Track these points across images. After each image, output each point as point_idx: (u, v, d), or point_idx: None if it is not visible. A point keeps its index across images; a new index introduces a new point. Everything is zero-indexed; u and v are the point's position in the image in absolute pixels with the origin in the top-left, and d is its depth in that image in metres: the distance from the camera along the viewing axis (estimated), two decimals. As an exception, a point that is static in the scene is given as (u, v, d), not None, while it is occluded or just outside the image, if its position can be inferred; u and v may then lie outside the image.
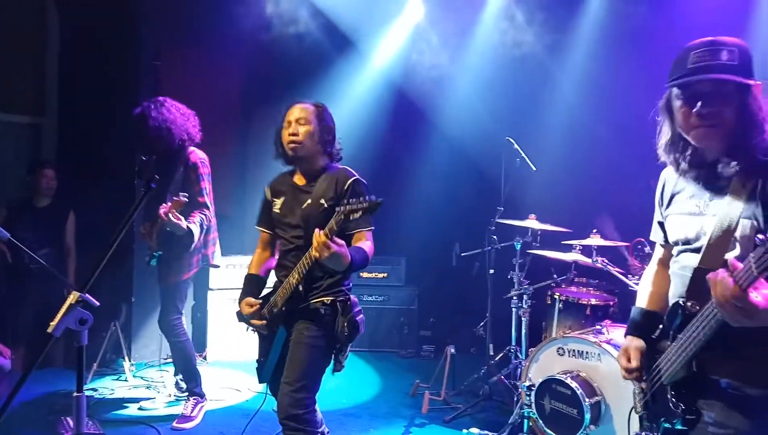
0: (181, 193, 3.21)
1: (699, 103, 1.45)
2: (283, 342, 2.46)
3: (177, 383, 3.98)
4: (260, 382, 2.61)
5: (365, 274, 5.43)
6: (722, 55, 1.44)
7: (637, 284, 3.32)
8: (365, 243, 2.36)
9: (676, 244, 1.66)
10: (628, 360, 1.74)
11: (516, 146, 4.26)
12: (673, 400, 1.55)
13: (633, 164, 4.01)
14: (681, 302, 1.55)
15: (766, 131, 1.45)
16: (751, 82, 1.45)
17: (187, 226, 3.29)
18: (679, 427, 1.55)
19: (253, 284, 2.60)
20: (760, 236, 1.20)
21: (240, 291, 2.60)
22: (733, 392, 1.47)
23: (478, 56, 5.32)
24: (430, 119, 5.69)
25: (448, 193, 5.54)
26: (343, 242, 2.13)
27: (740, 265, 1.25)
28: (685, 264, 1.60)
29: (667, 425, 1.59)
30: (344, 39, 5.54)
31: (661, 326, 1.69)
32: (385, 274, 5.47)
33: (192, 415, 3.56)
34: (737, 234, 1.44)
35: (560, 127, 4.94)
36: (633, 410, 1.79)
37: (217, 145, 3.72)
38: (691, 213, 1.60)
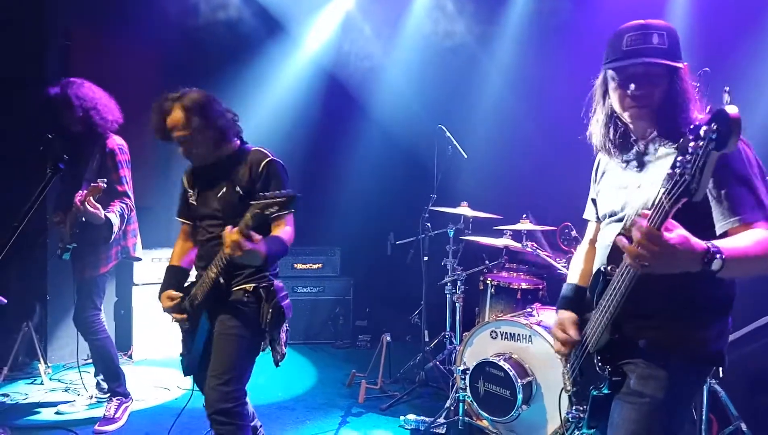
0: (99, 179, 3.00)
1: (632, 86, 1.53)
2: (206, 335, 2.37)
3: (98, 384, 3.74)
4: (185, 375, 2.50)
5: (300, 266, 5.35)
6: (653, 38, 1.53)
7: (565, 268, 3.44)
8: (285, 229, 2.27)
9: (605, 217, 1.73)
10: (563, 332, 1.74)
11: (448, 134, 4.30)
12: (600, 364, 1.61)
13: (559, 152, 4.16)
14: (602, 269, 1.62)
15: (690, 109, 1.54)
16: (679, 64, 1.54)
17: (106, 216, 3.09)
18: (606, 391, 1.60)
19: (174, 275, 2.50)
20: (669, 171, 1.23)
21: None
22: (651, 353, 1.55)
23: (409, 45, 5.34)
24: (362, 107, 5.65)
25: (382, 182, 5.53)
26: (259, 237, 2.06)
27: (650, 211, 1.29)
28: (609, 235, 1.66)
29: (595, 392, 1.64)
30: (275, 23, 5.39)
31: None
32: (320, 265, 5.41)
33: (115, 416, 3.37)
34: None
35: (490, 116, 5.04)
36: (563, 390, 1.82)
37: (138, 133, 3.49)
38: (618, 186, 1.69)
